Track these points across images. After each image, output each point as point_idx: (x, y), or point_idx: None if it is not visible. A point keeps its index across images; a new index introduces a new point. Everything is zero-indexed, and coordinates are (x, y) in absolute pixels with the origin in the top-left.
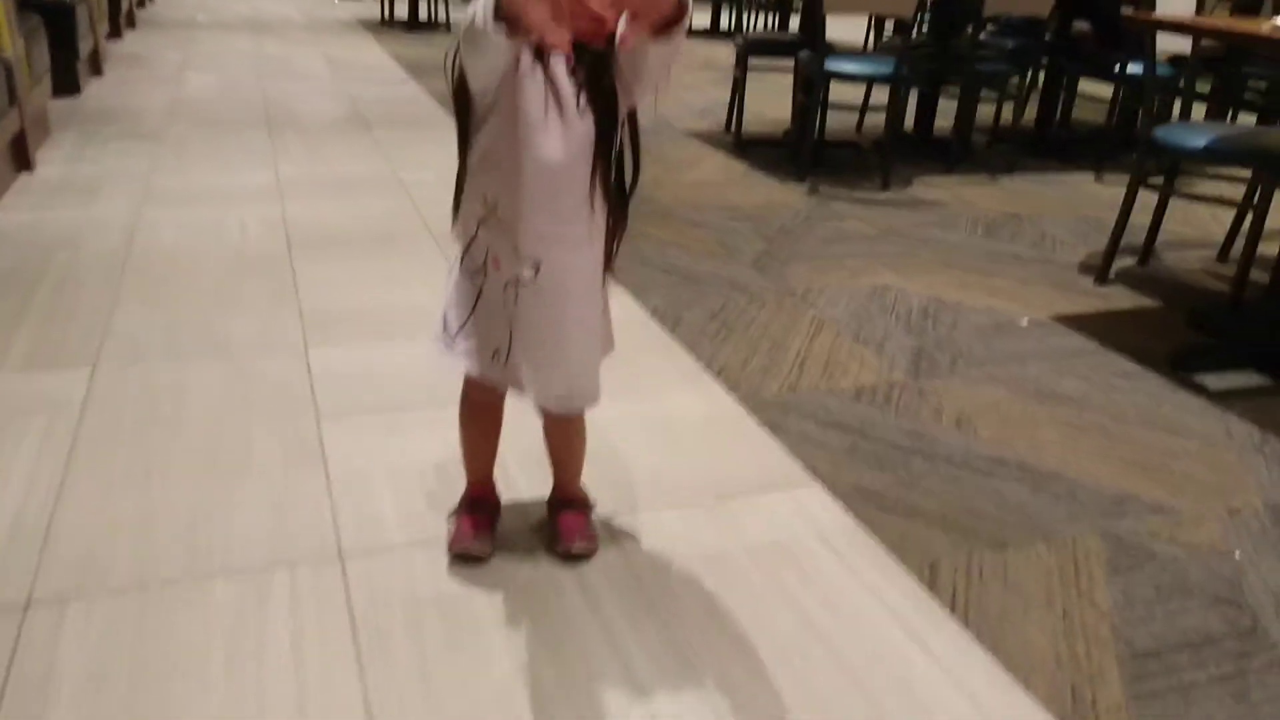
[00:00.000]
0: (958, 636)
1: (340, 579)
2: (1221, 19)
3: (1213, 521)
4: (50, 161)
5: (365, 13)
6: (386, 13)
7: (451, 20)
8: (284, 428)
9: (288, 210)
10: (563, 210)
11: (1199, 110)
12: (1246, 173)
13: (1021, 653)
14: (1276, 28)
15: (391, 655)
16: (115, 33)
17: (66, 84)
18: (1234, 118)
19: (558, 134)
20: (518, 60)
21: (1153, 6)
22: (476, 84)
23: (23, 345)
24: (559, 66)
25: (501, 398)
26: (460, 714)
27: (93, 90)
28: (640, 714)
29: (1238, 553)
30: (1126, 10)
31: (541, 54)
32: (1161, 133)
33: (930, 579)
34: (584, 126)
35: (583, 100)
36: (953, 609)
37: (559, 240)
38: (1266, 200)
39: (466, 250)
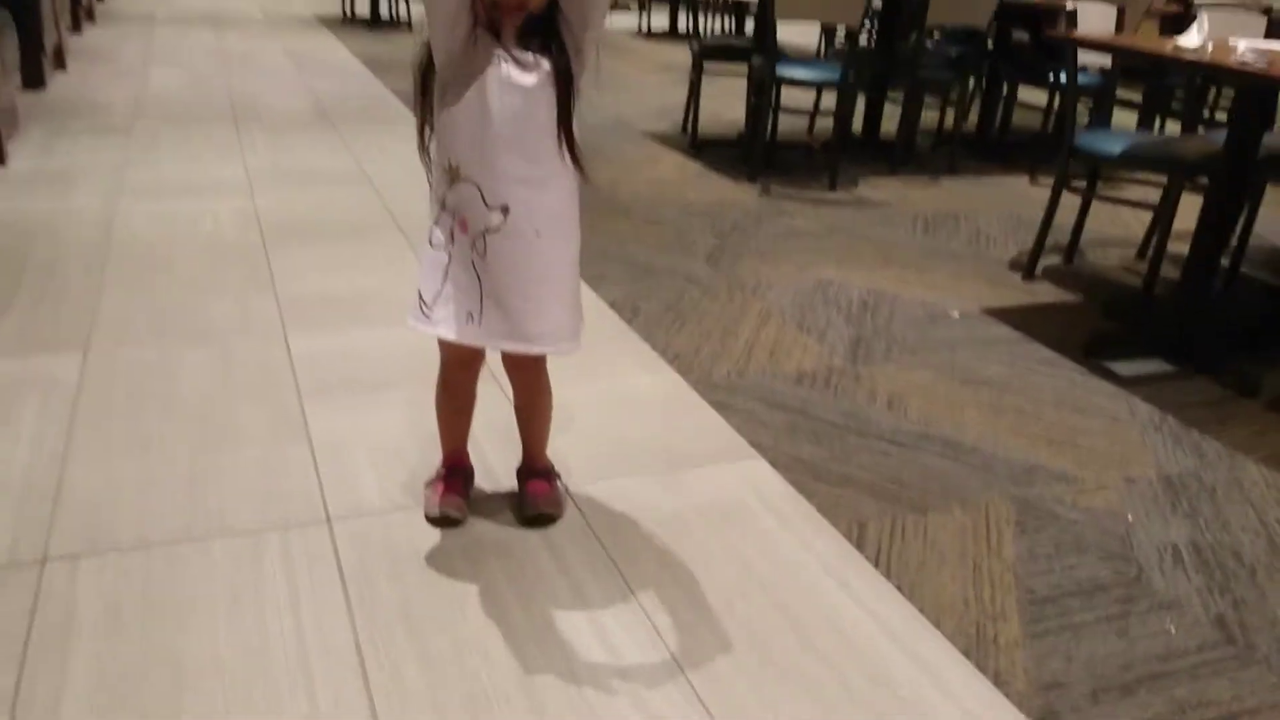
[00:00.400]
0: (880, 585)
1: (328, 538)
2: (1128, 38)
3: (1110, 489)
4: (21, 155)
5: (325, 9)
6: (348, 9)
7: (413, 18)
8: (268, 404)
9: (258, 202)
10: (528, 152)
11: (1129, 117)
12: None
13: (935, 598)
14: (1178, 47)
15: (377, 602)
16: (76, 26)
17: (32, 77)
18: (1162, 126)
19: (515, 88)
20: (474, 28)
21: (1075, 23)
22: (440, 55)
23: (12, 329)
24: (509, 29)
25: (474, 376)
26: (440, 649)
27: (58, 84)
28: (600, 650)
29: (1130, 515)
30: (1048, 28)
31: (492, 22)
32: (1082, 139)
33: (858, 537)
34: (540, 77)
35: (536, 53)
36: (876, 563)
37: (525, 181)
38: (1174, 203)
39: (434, 224)
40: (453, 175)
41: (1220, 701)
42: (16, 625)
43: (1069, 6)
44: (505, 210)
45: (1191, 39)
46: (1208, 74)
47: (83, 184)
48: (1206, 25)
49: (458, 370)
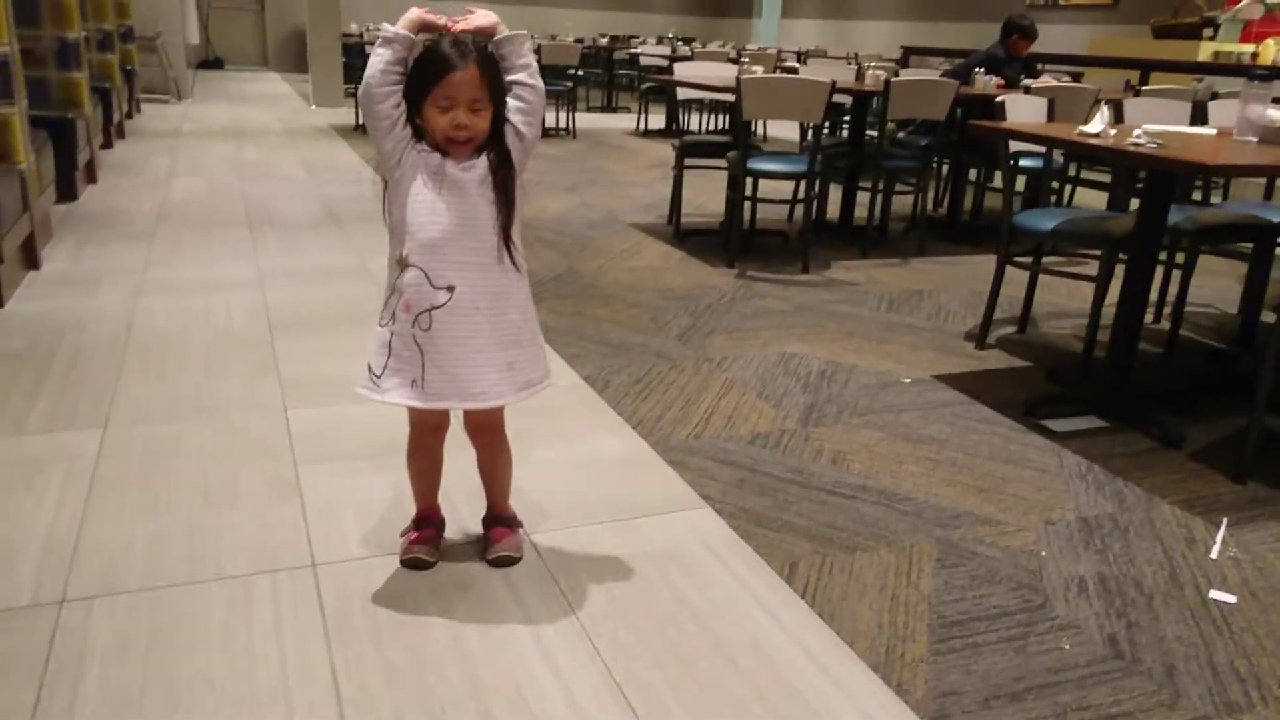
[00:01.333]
0: (804, 613)
1: (312, 580)
2: (1037, 126)
3: (1030, 531)
4: (54, 259)
5: (340, 119)
6: (360, 119)
7: None
8: (266, 470)
9: (268, 297)
10: (472, 239)
11: (1095, 197)
12: None
13: (852, 623)
14: (1082, 133)
15: (352, 630)
16: (107, 143)
17: (66, 191)
18: (1126, 205)
19: (456, 184)
20: (414, 141)
21: (1004, 115)
22: (382, 156)
23: (42, 411)
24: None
25: (439, 441)
26: (403, 667)
27: (89, 196)
28: (543, 667)
29: (1044, 552)
30: (972, 121)
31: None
32: (1020, 218)
33: (789, 574)
34: (480, 173)
35: (480, 169)
36: (804, 595)
37: (469, 265)
38: (1109, 274)
39: (384, 306)
40: (402, 264)
41: (1101, 705)
42: (37, 653)
43: (998, 99)
44: (451, 289)
45: (1095, 125)
46: (1108, 157)
47: (107, 284)
48: (1108, 113)
49: (425, 435)
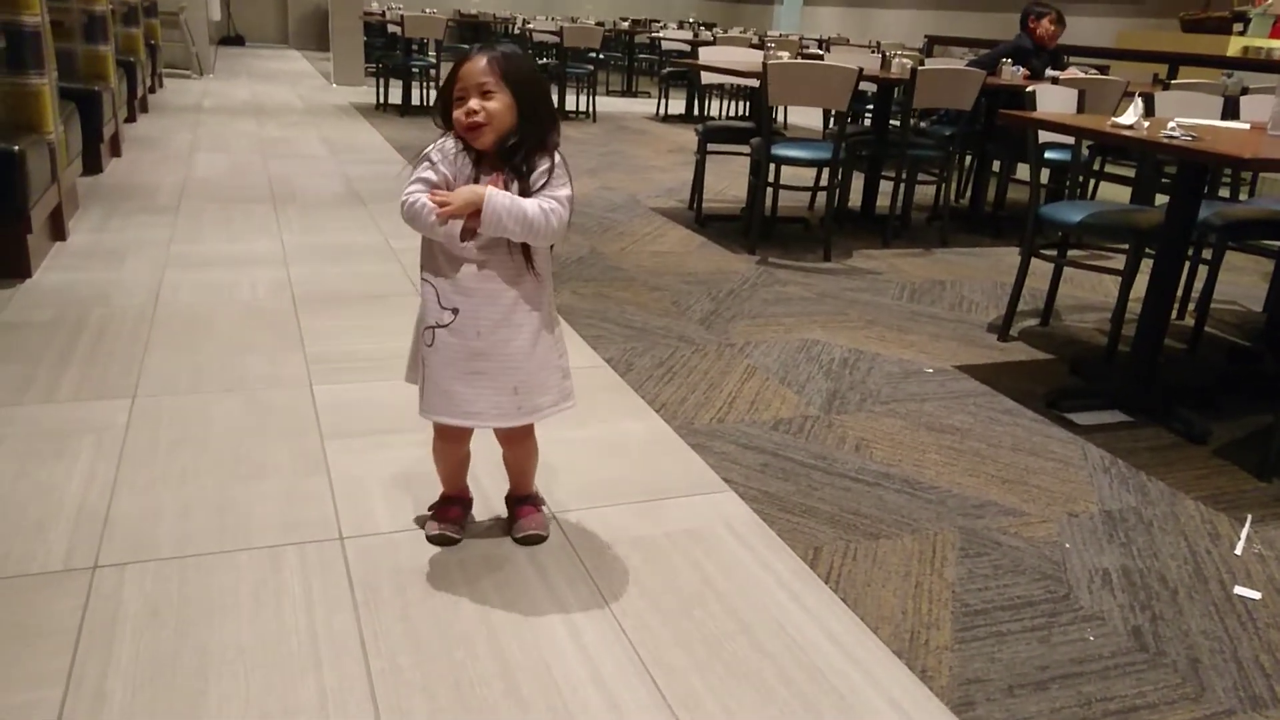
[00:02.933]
0: (828, 598)
1: (340, 553)
2: (1068, 117)
3: (1053, 522)
4: (81, 231)
5: (361, 98)
6: (381, 98)
7: None
8: (293, 444)
9: (291, 272)
10: (487, 266)
11: (1118, 191)
12: None
13: (876, 609)
14: (1115, 124)
15: (380, 604)
16: (131, 117)
17: (91, 164)
18: (1152, 199)
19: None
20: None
21: (1034, 105)
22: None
23: (71, 381)
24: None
25: (459, 446)
26: (432, 643)
27: (113, 169)
28: (571, 645)
29: (1068, 544)
30: (1003, 110)
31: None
32: (1046, 210)
33: (813, 559)
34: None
35: (507, 176)
36: (827, 580)
37: (476, 292)
38: (1134, 268)
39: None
40: (424, 278)
41: (1124, 696)
42: (71, 618)
43: (1029, 89)
44: (455, 311)
45: (1128, 117)
46: (1141, 148)
47: (133, 257)
48: (1141, 105)
49: (443, 439)
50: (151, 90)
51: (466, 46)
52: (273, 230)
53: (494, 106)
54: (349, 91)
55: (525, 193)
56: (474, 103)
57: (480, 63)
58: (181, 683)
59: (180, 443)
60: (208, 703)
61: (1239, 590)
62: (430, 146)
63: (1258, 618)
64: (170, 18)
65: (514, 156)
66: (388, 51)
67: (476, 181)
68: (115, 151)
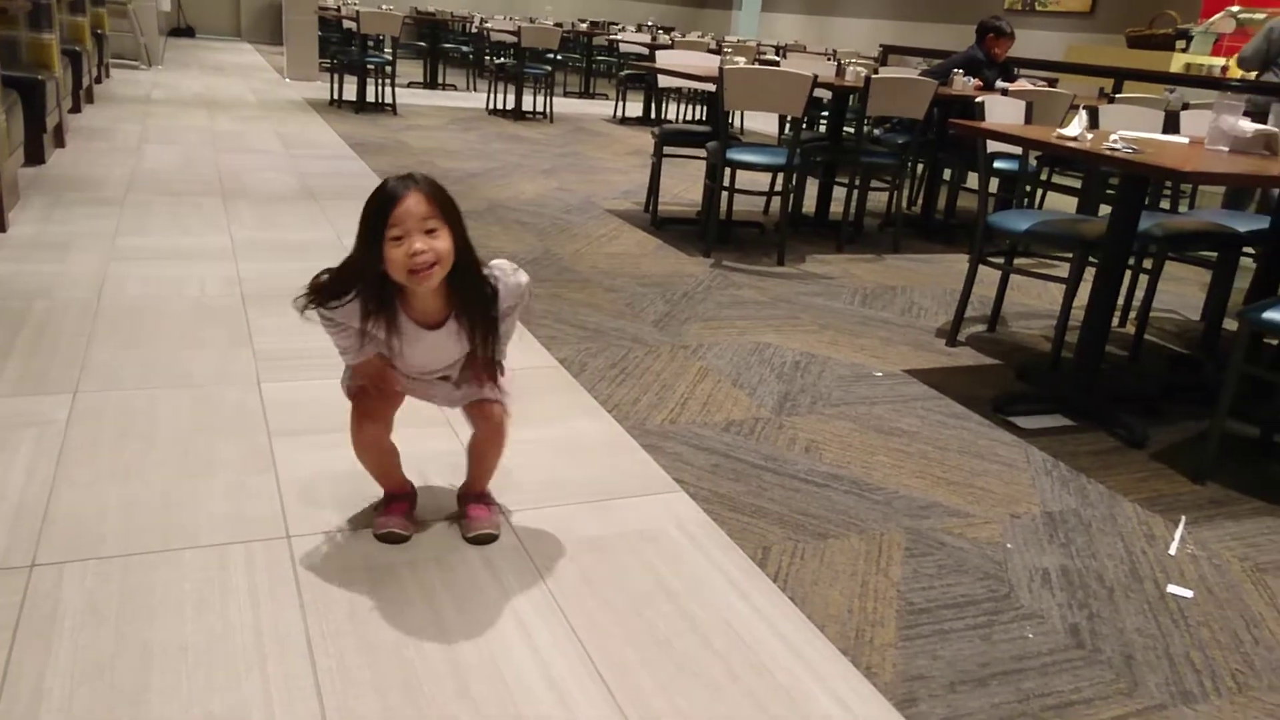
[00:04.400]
0: (776, 596)
1: (287, 550)
2: (1015, 128)
3: (996, 523)
4: (21, 222)
5: (315, 94)
6: (336, 93)
7: (397, 104)
8: (240, 441)
9: (241, 269)
10: (442, 368)
11: (1065, 201)
12: None
13: (823, 607)
14: (1060, 135)
15: (328, 603)
16: (76, 107)
17: (33, 154)
18: (1096, 209)
19: (422, 334)
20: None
21: (983, 115)
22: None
23: (10, 375)
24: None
25: (384, 412)
26: (381, 642)
27: (56, 160)
28: (521, 643)
29: (1009, 544)
30: (952, 119)
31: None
32: (995, 218)
33: (762, 558)
34: (450, 327)
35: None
36: (776, 579)
37: (435, 384)
38: (1079, 276)
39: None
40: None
41: (1061, 692)
42: (7, 616)
43: (978, 100)
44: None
45: (1073, 129)
46: (1085, 160)
47: (77, 249)
48: (1085, 118)
49: (365, 421)
50: (98, 80)
51: (423, 44)
52: (223, 225)
53: (442, 246)
54: (303, 86)
55: (479, 327)
56: (419, 243)
57: (416, 200)
58: (122, 680)
59: (124, 439)
60: (149, 700)
61: (1172, 589)
62: (324, 324)
63: (1189, 616)
64: (118, 7)
65: (464, 290)
66: (343, 47)
67: (399, 326)
68: (59, 142)
